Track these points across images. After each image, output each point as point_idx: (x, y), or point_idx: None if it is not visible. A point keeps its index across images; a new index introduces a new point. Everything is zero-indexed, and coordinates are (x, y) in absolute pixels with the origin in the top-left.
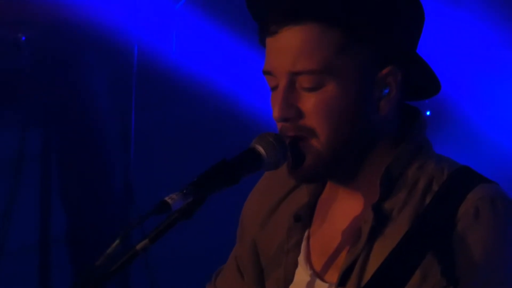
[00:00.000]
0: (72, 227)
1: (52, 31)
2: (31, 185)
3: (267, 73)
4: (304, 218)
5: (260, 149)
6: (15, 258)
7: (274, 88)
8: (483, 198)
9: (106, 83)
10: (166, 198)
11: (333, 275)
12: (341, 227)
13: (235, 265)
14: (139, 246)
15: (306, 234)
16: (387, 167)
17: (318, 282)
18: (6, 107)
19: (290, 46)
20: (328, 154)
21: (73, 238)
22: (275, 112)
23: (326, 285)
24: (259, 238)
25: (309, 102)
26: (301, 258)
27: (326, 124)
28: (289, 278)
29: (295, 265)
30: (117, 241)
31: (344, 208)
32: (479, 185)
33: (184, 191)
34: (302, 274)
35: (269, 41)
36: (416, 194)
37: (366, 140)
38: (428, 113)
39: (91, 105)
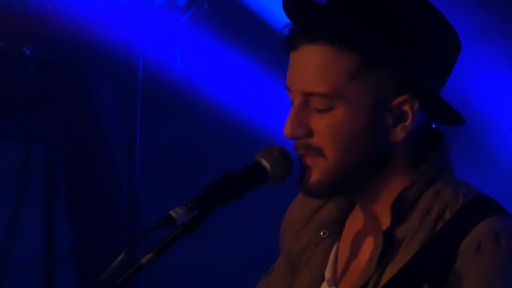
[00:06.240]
0: (77, 241)
1: (57, 45)
2: (36, 198)
3: (287, 88)
4: (332, 234)
5: (265, 163)
6: (20, 272)
7: (292, 103)
8: (488, 233)
9: (111, 97)
10: (171, 212)
11: None
12: (361, 247)
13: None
14: (144, 260)
15: (334, 248)
16: (400, 193)
17: None
18: (11, 120)
19: (306, 66)
20: (334, 174)
21: (78, 252)
22: (286, 130)
23: None
24: (293, 249)
25: (319, 123)
26: (327, 273)
27: (333, 145)
28: None
29: (321, 278)
30: (122, 255)
31: (365, 228)
32: (488, 218)
33: (189, 205)
34: None
35: (291, 56)
36: (428, 222)
37: (376, 164)
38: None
39: (96, 118)
